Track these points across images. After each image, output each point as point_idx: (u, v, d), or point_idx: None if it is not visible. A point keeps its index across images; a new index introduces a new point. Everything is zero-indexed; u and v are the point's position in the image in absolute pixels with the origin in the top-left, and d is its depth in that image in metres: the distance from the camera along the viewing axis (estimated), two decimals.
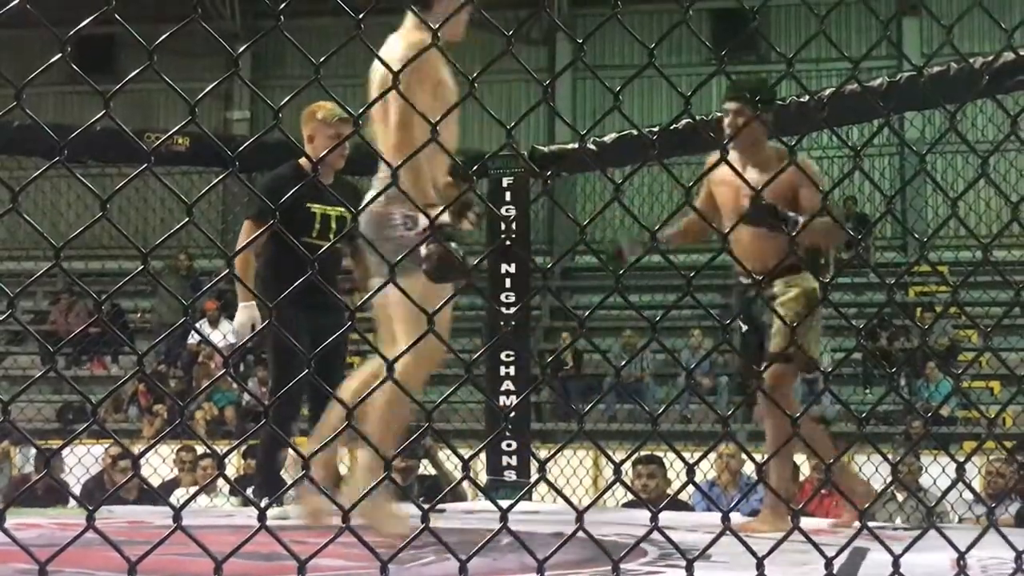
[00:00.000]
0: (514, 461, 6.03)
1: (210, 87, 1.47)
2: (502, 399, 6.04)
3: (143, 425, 11.55)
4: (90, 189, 1.35)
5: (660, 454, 6.58)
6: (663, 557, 3.10)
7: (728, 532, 1.61)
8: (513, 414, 6.05)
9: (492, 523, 4.14)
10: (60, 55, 1.24)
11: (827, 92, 5.22)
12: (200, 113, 1.46)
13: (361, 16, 1.34)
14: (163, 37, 1.29)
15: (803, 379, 11.72)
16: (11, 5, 1.30)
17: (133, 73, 1.30)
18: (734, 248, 3.96)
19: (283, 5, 1.34)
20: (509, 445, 6.04)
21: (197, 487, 7.69)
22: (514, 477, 5.99)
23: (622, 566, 1.59)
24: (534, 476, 6.06)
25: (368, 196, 3.42)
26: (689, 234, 4.29)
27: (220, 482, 7.86)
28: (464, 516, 4.64)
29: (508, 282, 6.17)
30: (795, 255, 3.54)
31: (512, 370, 6.10)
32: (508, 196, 6.24)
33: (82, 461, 7.52)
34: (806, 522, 1.81)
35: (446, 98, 3.20)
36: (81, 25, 1.29)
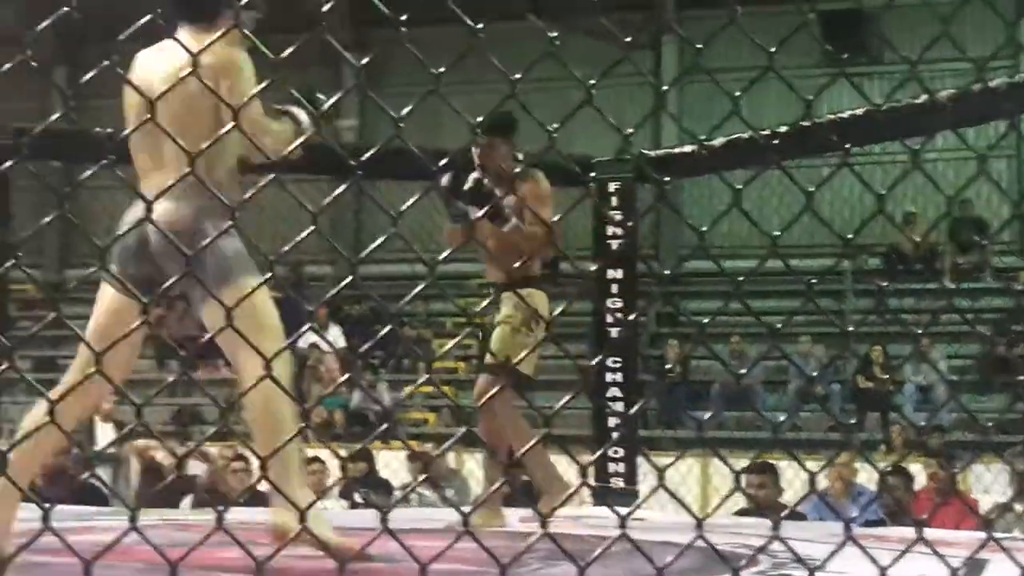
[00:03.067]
0: (621, 468, 6.01)
1: (335, 97, 1.49)
2: (610, 404, 6.04)
3: None
4: (220, 200, 1.38)
5: (771, 461, 6.50)
6: (776, 567, 3.06)
7: (850, 542, 1.58)
8: (621, 421, 6.03)
9: (598, 530, 4.15)
10: (191, 72, 1.28)
11: (946, 94, 5.10)
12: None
13: (480, 26, 1.35)
14: (288, 51, 1.32)
15: (917, 387, 11.54)
16: (141, 21, 1.35)
17: (261, 86, 1.33)
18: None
19: (404, 17, 1.36)
20: (616, 452, 6.01)
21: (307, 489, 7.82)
22: (621, 484, 5.96)
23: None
24: (641, 483, 6.03)
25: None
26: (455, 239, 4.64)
27: (328, 483, 7.98)
28: (571, 522, 4.63)
29: (615, 288, 6.15)
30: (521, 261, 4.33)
31: (619, 376, 6.08)
32: (615, 201, 6.23)
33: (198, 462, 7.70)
34: (924, 531, 1.77)
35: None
36: (211, 42, 1.32)
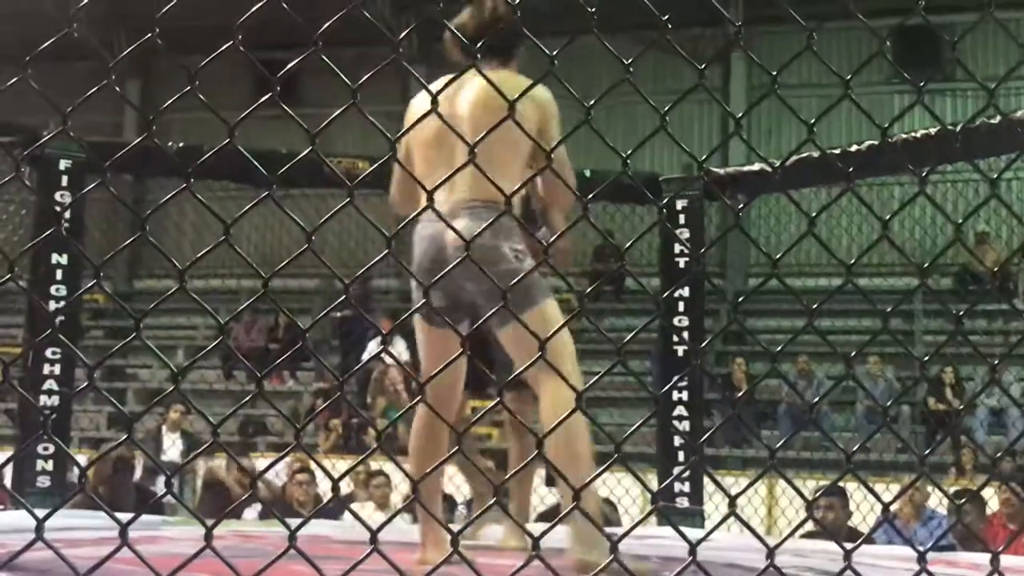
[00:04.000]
0: (687, 487, 5.96)
1: (416, 114, 1.50)
2: (675, 424, 6.00)
3: (319, 440, 11.89)
4: (290, 216, 1.40)
5: (840, 484, 6.42)
6: None
7: (926, 573, 1.56)
8: (684, 441, 5.99)
9: (662, 550, 4.11)
10: (270, 94, 1.30)
11: (1022, 113, 5.02)
12: (374, 136, 1.50)
13: (556, 53, 1.36)
14: (366, 76, 1.33)
15: (990, 410, 11.34)
16: (224, 47, 1.37)
17: (343, 110, 1.35)
18: None
19: (479, 46, 1.37)
20: (683, 471, 5.97)
21: (372, 502, 7.88)
22: (687, 504, 5.92)
23: None
24: (707, 502, 5.99)
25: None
26: None
27: (394, 499, 8.02)
28: (636, 543, 4.60)
29: (681, 306, 6.11)
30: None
31: (685, 395, 6.05)
32: (682, 219, 6.19)
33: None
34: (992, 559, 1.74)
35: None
36: (291, 66, 1.35)
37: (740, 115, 1.50)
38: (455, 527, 1.60)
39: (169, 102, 1.41)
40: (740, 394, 10.74)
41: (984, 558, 1.73)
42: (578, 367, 3.12)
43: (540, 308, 2.97)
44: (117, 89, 1.35)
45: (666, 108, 1.40)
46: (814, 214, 1.74)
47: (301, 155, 1.43)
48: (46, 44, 1.39)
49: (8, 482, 5.37)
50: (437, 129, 3.06)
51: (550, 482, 7.75)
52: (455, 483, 8.96)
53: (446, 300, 3.13)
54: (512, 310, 2.66)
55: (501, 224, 3.01)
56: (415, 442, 3.37)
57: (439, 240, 3.12)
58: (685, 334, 6.00)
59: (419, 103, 3.28)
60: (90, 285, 1.31)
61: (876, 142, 5.35)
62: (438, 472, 3.58)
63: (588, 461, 3.06)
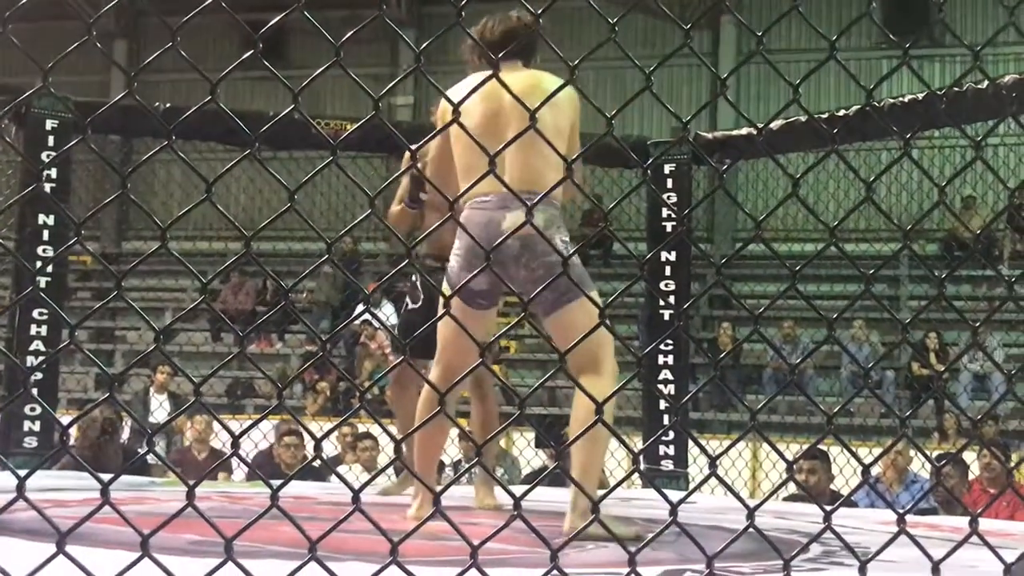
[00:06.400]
0: (671, 450, 6.00)
1: (399, 77, 1.49)
2: (660, 387, 6.03)
3: (307, 402, 11.90)
4: (275, 177, 1.40)
5: (823, 447, 6.46)
6: (827, 554, 3.05)
7: (904, 534, 1.57)
8: (669, 404, 6.02)
9: (647, 511, 4.14)
10: (252, 51, 1.30)
11: (1009, 79, 5.01)
12: (364, 100, 1.49)
13: (541, 12, 1.35)
14: (350, 34, 1.32)
15: (974, 375, 11.40)
16: (207, 3, 1.36)
17: (326, 68, 1.34)
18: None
19: (463, 4, 1.36)
20: (667, 434, 6.01)
21: (359, 465, 7.90)
22: (671, 467, 5.96)
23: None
24: (692, 466, 6.03)
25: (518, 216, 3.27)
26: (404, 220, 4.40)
27: (381, 462, 8.04)
28: (619, 504, 4.64)
29: (668, 270, 6.13)
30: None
31: (671, 359, 6.07)
32: (670, 183, 6.20)
33: (250, 436, 7.79)
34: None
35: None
36: (273, 23, 1.34)
37: (726, 75, 1.49)
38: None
39: (151, 58, 1.40)
40: (722, 356, 10.76)
41: (965, 521, 1.74)
42: (614, 361, 3.31)
43: (585, 300, 3.05)
44: (98, 45, 1.34)
45: (650, 68, 1.40)
46: (799, 176, 1.74)
47: (283, 113, 1.42)
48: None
49: None
50: (484, 118, 3.31)
51: (539, 443, 7.78)
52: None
53: (490, 284, 3.29)
54: (559, 300, 3.05)
55: (553, 216, 3.28)
56: (423, 411, 3.50)
57: (493, 227, 3.26)
58: (671, 298, 6.02)
59: (458, 95, 3.32)
60: (71, 243, 1.31)
61: (863, 106, 5.34)
62: (441, 440, 3.72)
63: (604, 447, 3.37)
